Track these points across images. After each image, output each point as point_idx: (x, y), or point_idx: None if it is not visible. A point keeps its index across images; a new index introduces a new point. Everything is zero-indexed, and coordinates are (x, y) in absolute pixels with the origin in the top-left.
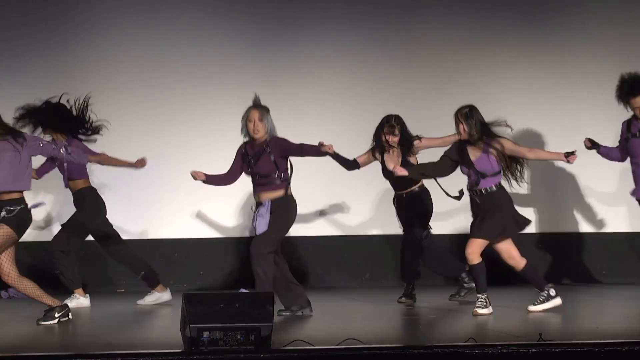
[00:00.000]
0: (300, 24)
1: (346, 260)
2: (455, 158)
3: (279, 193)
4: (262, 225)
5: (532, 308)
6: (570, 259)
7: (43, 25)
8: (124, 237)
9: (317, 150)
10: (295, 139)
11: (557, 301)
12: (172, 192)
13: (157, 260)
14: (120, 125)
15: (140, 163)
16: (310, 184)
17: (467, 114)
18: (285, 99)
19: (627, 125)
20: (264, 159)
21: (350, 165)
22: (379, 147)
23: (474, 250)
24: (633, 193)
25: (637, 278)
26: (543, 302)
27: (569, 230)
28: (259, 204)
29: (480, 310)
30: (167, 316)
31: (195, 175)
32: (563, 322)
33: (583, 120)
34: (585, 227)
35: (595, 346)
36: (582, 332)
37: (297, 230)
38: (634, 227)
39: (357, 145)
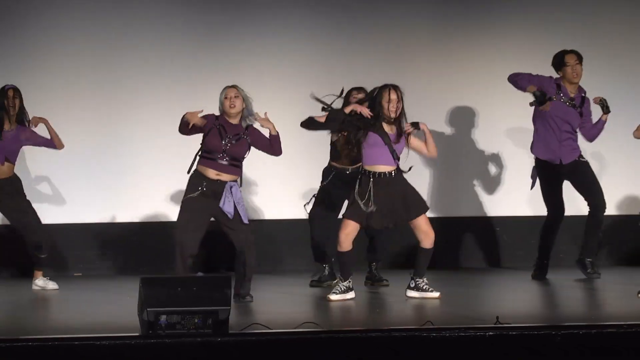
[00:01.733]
0: (264, 7)
1: (306, 244)
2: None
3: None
4: (243, 212)
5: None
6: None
7: None
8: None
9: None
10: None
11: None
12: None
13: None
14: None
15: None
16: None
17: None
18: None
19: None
20: (241, 144)
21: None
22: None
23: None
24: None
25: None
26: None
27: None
28: (213, 182)
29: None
30: (125, 300)
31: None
32: (519, 306)
33: None
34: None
35: (552, 329)
36: (538, 315)
37: (255, 213)
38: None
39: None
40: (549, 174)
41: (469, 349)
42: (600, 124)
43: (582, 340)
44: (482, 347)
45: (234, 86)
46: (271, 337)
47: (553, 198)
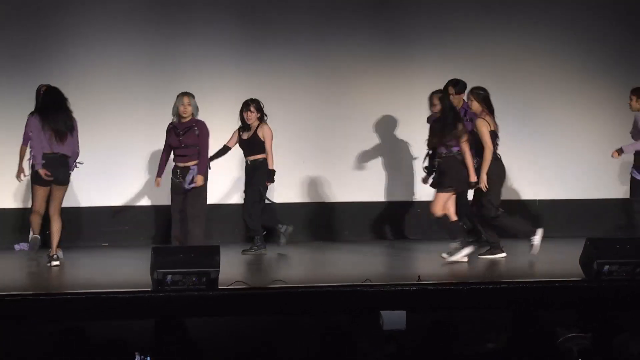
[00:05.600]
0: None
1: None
2: None
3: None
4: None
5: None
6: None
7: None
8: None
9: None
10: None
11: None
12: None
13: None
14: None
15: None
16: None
17: None
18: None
19: None
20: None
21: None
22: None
23: None
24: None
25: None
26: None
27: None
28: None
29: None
30: (140, 264)
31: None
32: (441, 267)
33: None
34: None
35: (459, 285)
36: (457, 274)
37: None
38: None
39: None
40: None
41: (398, 300)
42: None
43: (482, 293)
44: (408, 299)
45: (186, 94)
46: (249, 292)
47: None
